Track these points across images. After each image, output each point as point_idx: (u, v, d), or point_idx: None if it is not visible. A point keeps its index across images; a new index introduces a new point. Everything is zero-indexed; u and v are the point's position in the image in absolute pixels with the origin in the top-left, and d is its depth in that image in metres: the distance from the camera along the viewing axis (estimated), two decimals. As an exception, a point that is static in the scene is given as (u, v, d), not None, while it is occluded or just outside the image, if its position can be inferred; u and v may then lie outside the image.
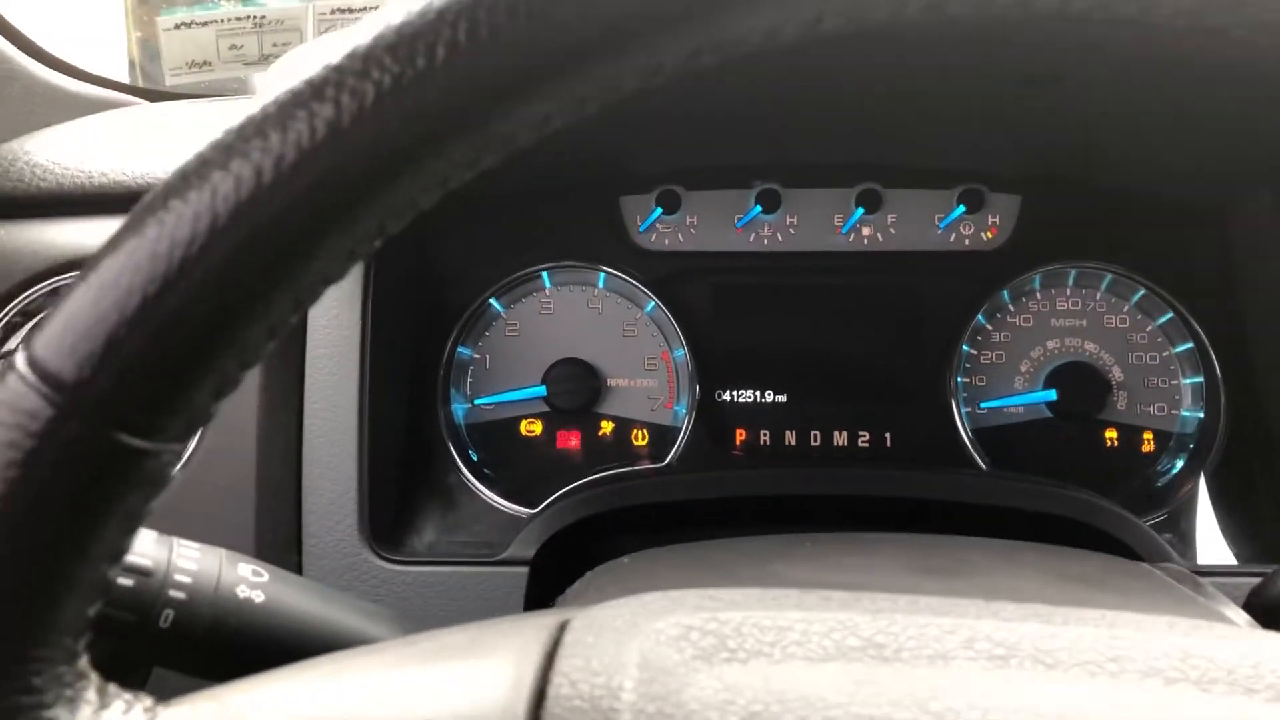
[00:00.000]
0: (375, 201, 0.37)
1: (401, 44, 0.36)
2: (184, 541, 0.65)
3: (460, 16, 0.36)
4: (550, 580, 0.95)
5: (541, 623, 0.45)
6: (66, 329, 0.36)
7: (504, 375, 1.24)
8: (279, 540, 1.01)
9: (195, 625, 0.63)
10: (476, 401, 1.25)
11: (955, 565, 0.74)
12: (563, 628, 0.44)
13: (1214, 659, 0.41)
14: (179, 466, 0.37)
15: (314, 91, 0.36)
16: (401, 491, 1.14)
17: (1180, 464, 1.20)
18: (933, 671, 0.42)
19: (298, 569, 1.01)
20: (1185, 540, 1.15)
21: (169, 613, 0.62)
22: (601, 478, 1.14)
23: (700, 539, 0.81)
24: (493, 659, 0.43)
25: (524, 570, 0.99)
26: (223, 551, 0.67)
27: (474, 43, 0.35)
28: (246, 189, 0.36)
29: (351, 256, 0.38)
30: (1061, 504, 0.99)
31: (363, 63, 0.36)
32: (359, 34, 0.36)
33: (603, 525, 1.01)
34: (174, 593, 0.63)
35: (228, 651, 0.65)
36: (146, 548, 0.63)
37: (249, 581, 0.66)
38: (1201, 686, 0.41)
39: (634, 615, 0.45)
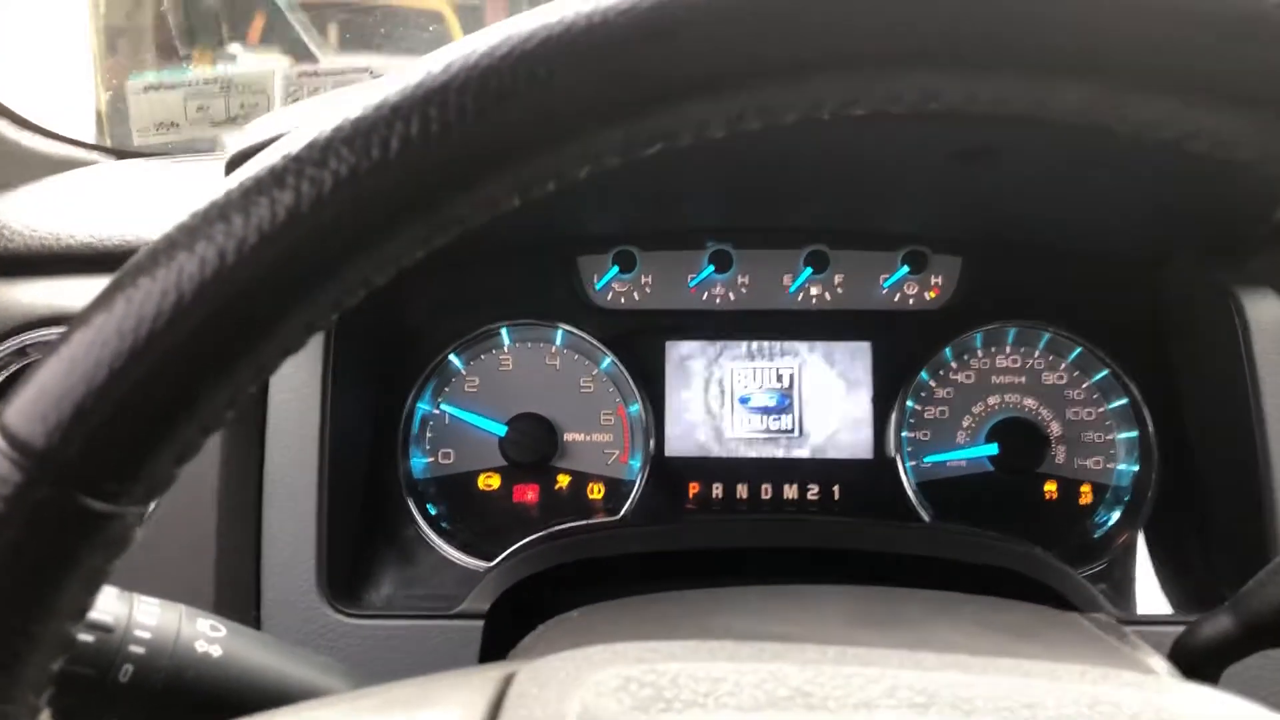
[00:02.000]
0: (332, 280, 0.40)
1: (358, 136, 0.39)
2: (144, 598, 0.67)
3: (412, 112, 0.39)
4: (506, 633, 0.96)
5: (488, 675, 0.48)
6: (38, 398, 0.39)
7: (463, 430, 1.25)
8: (238, 594, 1.03)
9: (153, 679, 0.65)
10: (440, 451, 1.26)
11: (890, 617, 0.77)
12: (508, 680, 0.47)
13: (1120, 705, 0.44)
14: (141, 526, 0.39)
15: (275, 179, 0.39)
16: (360, 546, 1.14)
17: (1116, 516, 1.23)
18: (857, 718, 0.45)
19: (256, 623, 1.02)
20: (1122, 590, 1.18)
21: (128, 667, 0.64)
22: (556, 531, 1.16)
23: (653, 590, 0.83)
24: (440, 711, 0.45)
25: (479, 624, 1.01)
26: (182, 607, 0.68)
27: (424, 138, 0.39)
28: (210, 269, 0.39)
29: (310, 329, 0.41)
30: (998, 555, 1.03)
31: (321, 153, 0.39)
32: (320, 125, 0.40)
33: (558, 578, 1.04)
34: (134, 648, 0.64)
35: (186, 705, 0.66)
36: (108, 604, 0.65)
37: (207, 636, 0.68)
38: (1107, 730, 0.44)
39: (577, 667, 0.48)
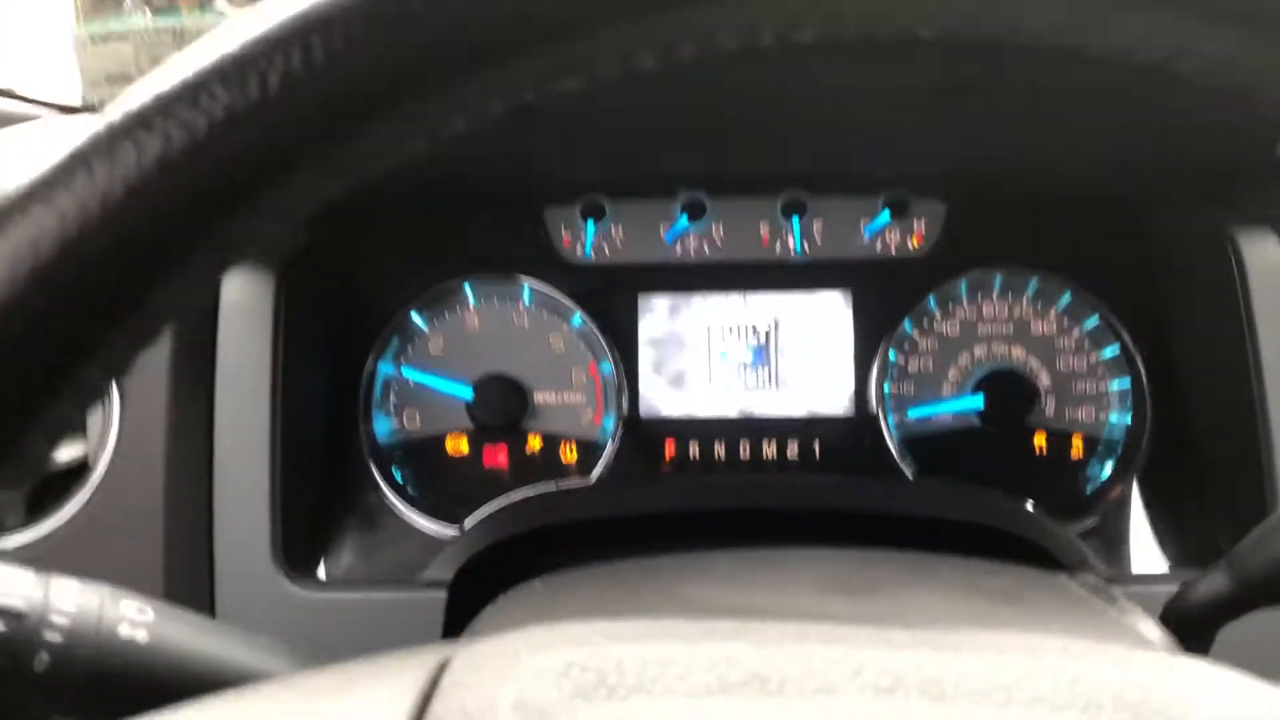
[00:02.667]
0: (208, 235, 0.35)
1: (233, 71, 0.34)
2: (63, 579, 0.62)
3: (294, 43, 0.33)
4: (472, 603, 0.92)
5: (422, 661, 0.43)
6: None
7: (428, 392, 1.21)
8: (190, 570, 0.98)
9: (74, 668, 0.60)
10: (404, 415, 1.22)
11: (865, 583, 0.73)
12: (443, 666, 0.42)
13: (1103, 684, 0.40)
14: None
15: (141, 122, 0.34)
16: (319, 515, 1.11)
17: (1109, 469, 1.20)
18: (816, 705, 0.40)
19: (210, 599, 0.98)
20: (1115, 546, 1.15)
21: (44, 656, 0.59)
22: (525, 496, 1.12)
23: (625, 556, 0.80)
24: (367, 701, 0.41)
25: (443, 594, 0.96)
26: (105, 589, 0.63)
27: (307, 70, 0.33)
28: (72, 223, 0.33)
29: (189, 294, 0.36)
30: (983, 512, 0.99)
31: (193, 91, 0.33)
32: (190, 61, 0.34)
33: (529, 544, 0.99)
34: (50, 635, 0.59)
35: (110, 695, 0.61)
36: (20, 587, 0.60)
37: (132, 620, 0.63)
38: (1088, 713, 0.39)
39: (515, 651, 0.43)
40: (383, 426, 1.22)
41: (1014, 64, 0.87)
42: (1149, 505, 1.17)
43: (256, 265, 1.05)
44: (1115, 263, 1.19)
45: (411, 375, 1.21)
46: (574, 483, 1.18)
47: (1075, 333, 1.21)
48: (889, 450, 1.19)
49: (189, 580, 0.98)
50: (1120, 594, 0.73)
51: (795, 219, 1.22)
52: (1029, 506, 1.02)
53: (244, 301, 1.04)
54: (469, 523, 1.11)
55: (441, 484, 1.20)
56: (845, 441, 1.20)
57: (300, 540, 1.04)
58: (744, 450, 1.23)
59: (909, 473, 1.20)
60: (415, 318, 1.21)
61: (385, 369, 1.23)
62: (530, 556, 0.96)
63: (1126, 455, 1.19)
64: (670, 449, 1.22)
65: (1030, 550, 0.96)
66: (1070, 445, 1.21)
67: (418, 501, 1.18)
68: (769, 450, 1.23)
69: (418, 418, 1.23)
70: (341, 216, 1.15)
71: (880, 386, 1.20)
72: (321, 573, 1.08)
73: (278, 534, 0.98)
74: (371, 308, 1.20)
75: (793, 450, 1.22)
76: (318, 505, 1.11)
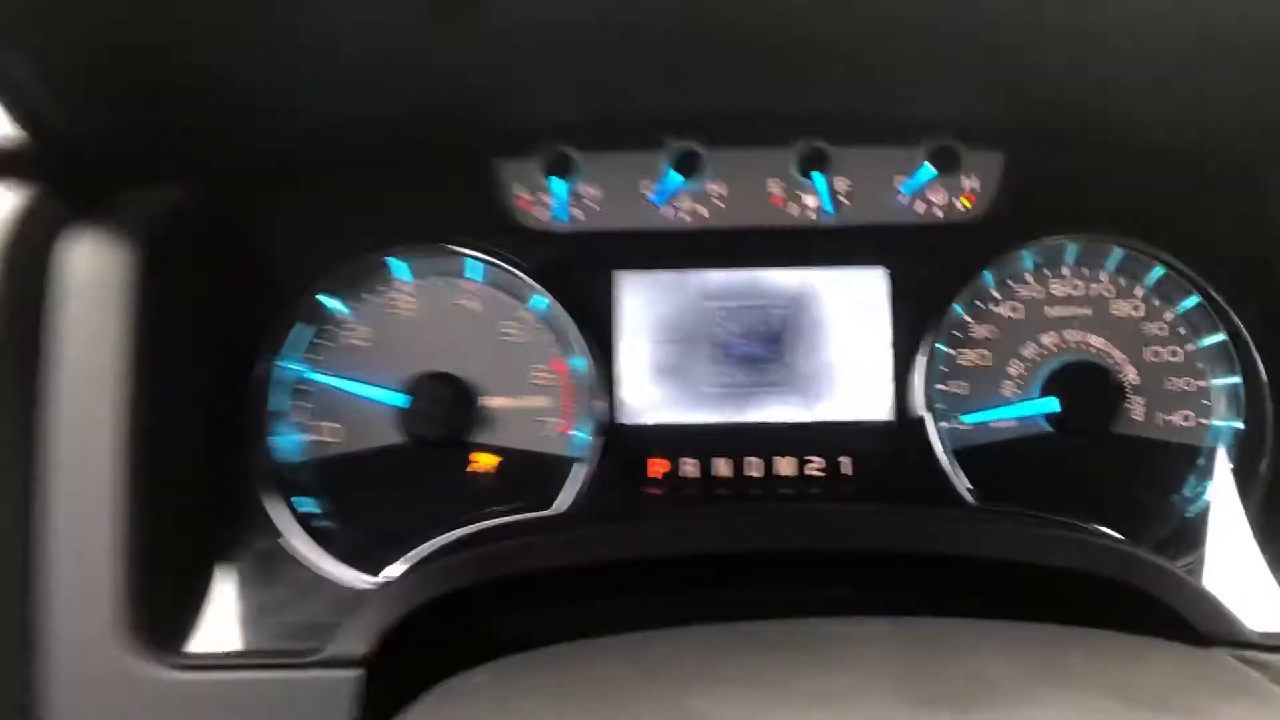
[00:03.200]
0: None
1: None
2: None
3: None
4: (397, 684, 0.70)
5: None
6: None
7: (347, 398, 1.01)
8: (3, 645, 0.77)
9: None
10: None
11: (965, 686, 0.54)
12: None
13: None
14: None
15: None
16: (192, 565, 0.93)
17: (1214, 489, 1.00)
18: None
19: (23, 681, 0.77)
20: (1226, 592, 0.92)
21: None
22: (470, 533, 0.93)
23: (605, 625, 0.66)
24: None
25: (354, 674, 0.74)
26: None
27: None
28: None
29: None
30: (1084, 556, 0.79)
31: None
32: None
33: (470, 605, 0.78)
34: None
35: None
36: None
37: None
38: None
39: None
40: (285, 445, 1.01)
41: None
42: (1269, 537, 0.95)
43: (110, 227, 0.83)
44: (1218, 228, 1.04)
45: (323, 377, 1.02)
46: (533, 516, 0.99)
47: (1169, 316, 1.05)
48: (938, 466, 1.02)
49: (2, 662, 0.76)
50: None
51: (818, 176, 1.04)
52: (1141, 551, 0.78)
53: (91, 276, 0.83)
54: (394, 572, 0.92)
55: (362, 519, 1.01)
56: (883, 455, 1.04)
57: (162, 601, 0.84)
58: (752, 467, 1.04)
59: (966, 496, 1.00)
60: (328, 302, 1.03)
61: (290, 368, 1.01)
62: (476, 621, 0.79)
63: (1238, 471, 1.00)
64: (658, 466, 1.04)
65: (1131, 599, 0.75)
66: (1165, 459, 1.03)
67: (330, 543, 0.99)
68: (785, 467, 1.04)
69: (332, 432, 1.03)
70: (231, 168, 0.93)
71: (927, 386, 1.03)
72: (196, 645, 0.88)
73: (127, 596, 0.79)
74: (272, 289, 1.02)
75: (816, 466, 1.04)
76: (190, 552, 0.92)
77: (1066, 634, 0.64)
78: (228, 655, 0.83)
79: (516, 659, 0.64)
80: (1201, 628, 0.74)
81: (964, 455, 1.03)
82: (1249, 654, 0.66)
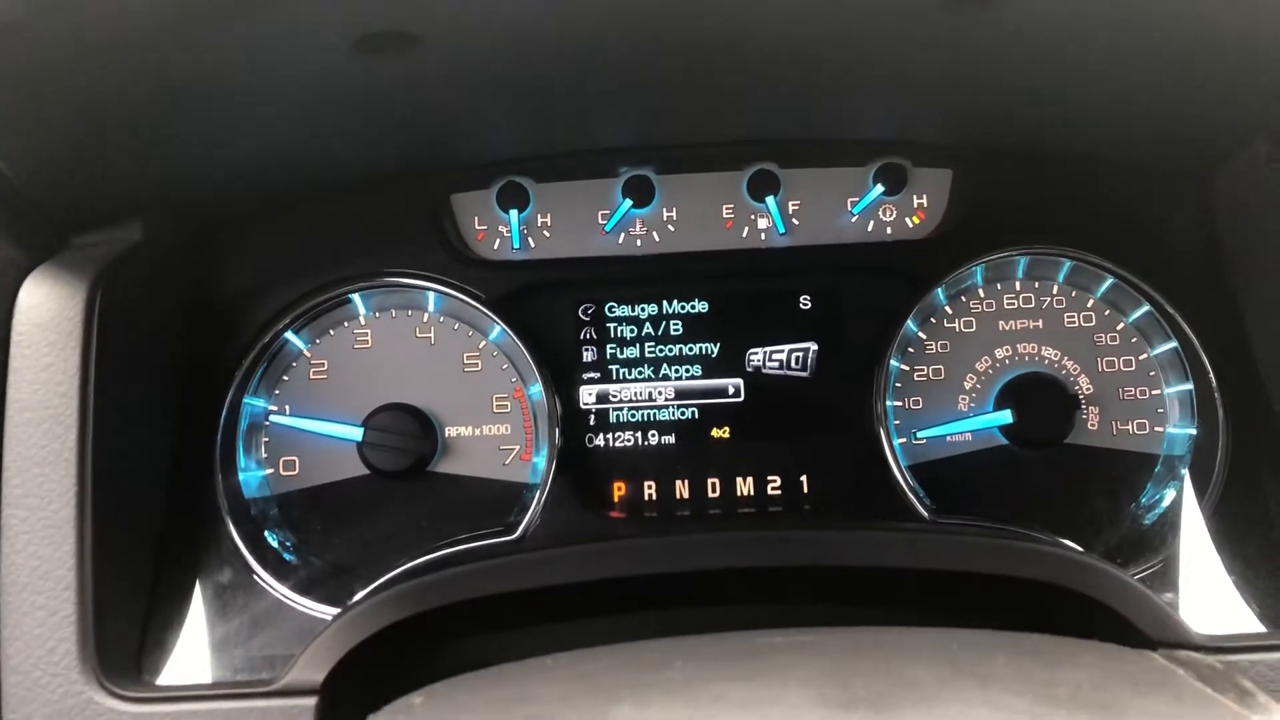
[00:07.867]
0: None
1: None
2: None
3: None
4: (354, 705, 0.68)
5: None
6: None
7: (308, 433, 1.01)
8: None
9: None
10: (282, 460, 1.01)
11: (889, 689, 0.53)
12: None
13: None
14: None
15: None
16: (155, 600, 0.90)
17: (1170, 495, 0.99)
18: None
19: None
20: (1184, 597, 0.92)
21: None
22: (428, 560, 0.91)
23: (556, 638, 0.67)
24: None
25: (312, 702, 0.73)
26: None
27: None
28: None
29: None
30: (1036, 565, 0.77)
31: None
32: None
33: (428, 625, 0.77)
34: None
35: None
36: None
37: None
38: None
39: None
40: (248, 480, 1.00)
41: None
42: (1225, 541, 0.94)
43: (68, 271, 0.81)
44: (1166, 237, 1.02)
45: (283, 419, 1.02)
46: (493, 542, 0.97)
47: (1120, 325, 1.04)
48: (896, 481, 0.99)
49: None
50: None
51: (770, 199, 1.04)
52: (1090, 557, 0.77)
53: (48, 317, 0.82)
54: (345, 606, 0.86)
55: (325, 550, 1.00)
56: (839, 473, 1.02)
57: (123, 634, 0.83)
58: (712, 488, 1.02)
59: (920, 507, 0.98)
60: (290, 338, 1.02)
61: (255, 403, 1.01)
62: (435, 640, 0.78)
63: (1195, 477, 0.98)
64: (619, 489, 1.03)
65: (1086, 609, 0.73)
66: (1120, 467, 1.01)
67: (293, 575, 0.97)
68: (744, 487, 1.02)
69: (293, 466, 1.02)
70: (191, 209, 0.92)
71: (882, 402, 1.00)
72: (160, 677, 0.86)
73: (89, 629, 0.78)
74: (231, 326, 1.00)
75: (774, 485, 1.02)
76: (153, 586, 0.89)
77: (999, 638, 0.62)
78: (188, 687, 0.81)
79: (455, 680, 0.64)
80: (1149, 632, 0.71)
81: (920, 470, 1.01)
82: (1181, 654, 0.65)
